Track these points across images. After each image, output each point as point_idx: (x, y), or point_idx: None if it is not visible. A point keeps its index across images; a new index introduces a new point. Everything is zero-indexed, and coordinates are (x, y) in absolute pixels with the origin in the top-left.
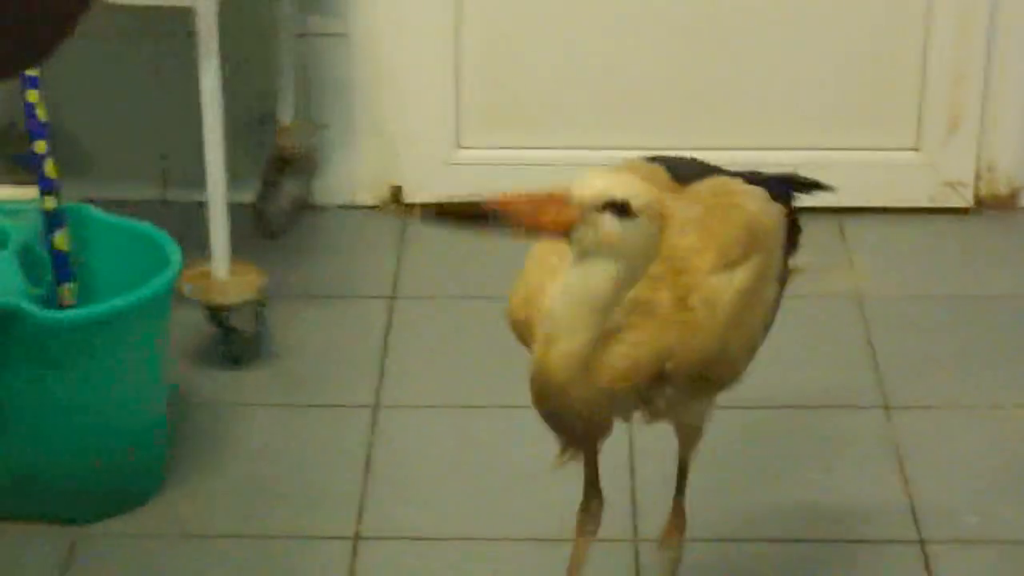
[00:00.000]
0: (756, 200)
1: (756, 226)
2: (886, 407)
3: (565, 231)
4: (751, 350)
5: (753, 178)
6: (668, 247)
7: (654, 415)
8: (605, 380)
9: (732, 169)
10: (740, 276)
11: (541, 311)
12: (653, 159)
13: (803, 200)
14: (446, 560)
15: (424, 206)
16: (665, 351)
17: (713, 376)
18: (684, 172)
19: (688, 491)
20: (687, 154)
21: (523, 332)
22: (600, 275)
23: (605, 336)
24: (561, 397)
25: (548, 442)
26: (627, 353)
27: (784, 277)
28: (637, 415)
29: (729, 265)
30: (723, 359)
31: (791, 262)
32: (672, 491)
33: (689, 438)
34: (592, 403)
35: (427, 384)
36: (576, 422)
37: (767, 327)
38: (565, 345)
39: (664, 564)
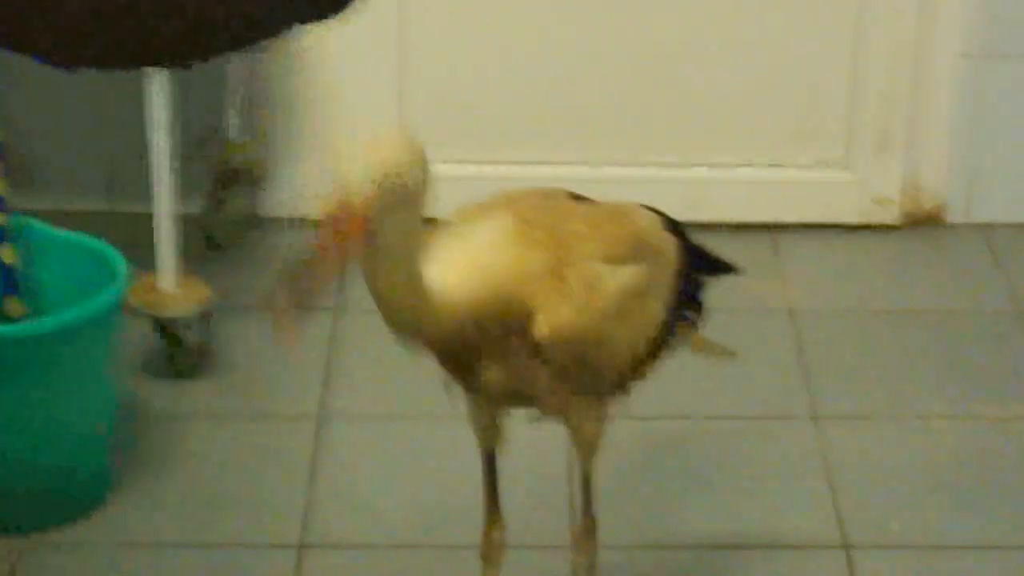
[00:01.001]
0: (648, 220)
1: (644, 237)
2: (815, 417)
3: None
4: (632, 356)
5: (671, 226)
6: (552, 226)
7: (543, 408)
8: (446, 299)
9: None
10: (624, 274)
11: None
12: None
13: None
14: (391, 568)
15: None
16: (518, 296)
17: (592, 365)
18: (580, 195)
19: (597, 500)
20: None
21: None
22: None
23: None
24: (398, 317)
25: None
26: (474, 277)
27: (674, 314)
28: (527, 412)
29: (613, 260)
30: (603, 349)
31: (687, 320)
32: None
33: (584, 448)
34: (441, 328)
35: (371, 394)
36: (441, 350)
37: (653, 345)
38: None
39: (577, 569)
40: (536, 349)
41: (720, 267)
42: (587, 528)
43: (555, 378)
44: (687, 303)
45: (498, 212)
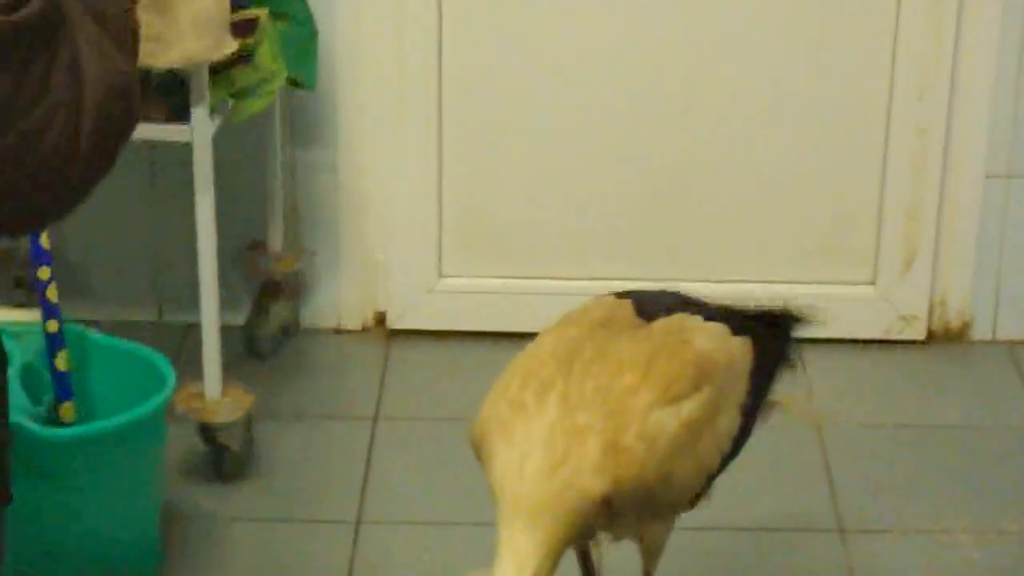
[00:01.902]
0: (709, 337)
1: (705, 362)
2: (841, 530)
3: None
4: (703, 477)
5: (723, 314)
6: (604, 390)
7: (617, 536)
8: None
9: (711, 303)
10: (687, 408)
11: (492, 445)
12: (627, 293)
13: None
14: None
15: None
16: (599, 493)
17: (660, 502)
18: (652, 307)
19: None
20: (662, 286)
21: (479, 455)
22: None
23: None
24: None
25: None
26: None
27: (754, 407)
28: (603, 536)
29: (675, 399)
30: (668, 487)
31: (772, 395)
32: None
33: (649, 554)
34: None
35: (408, 501)
36: None
37: (724, 455)
38: None
39: None
40: (612, 510)
41: (793, 319)
42: None
43: (630, 518)
44: (768, 387)
45: (545, 399)
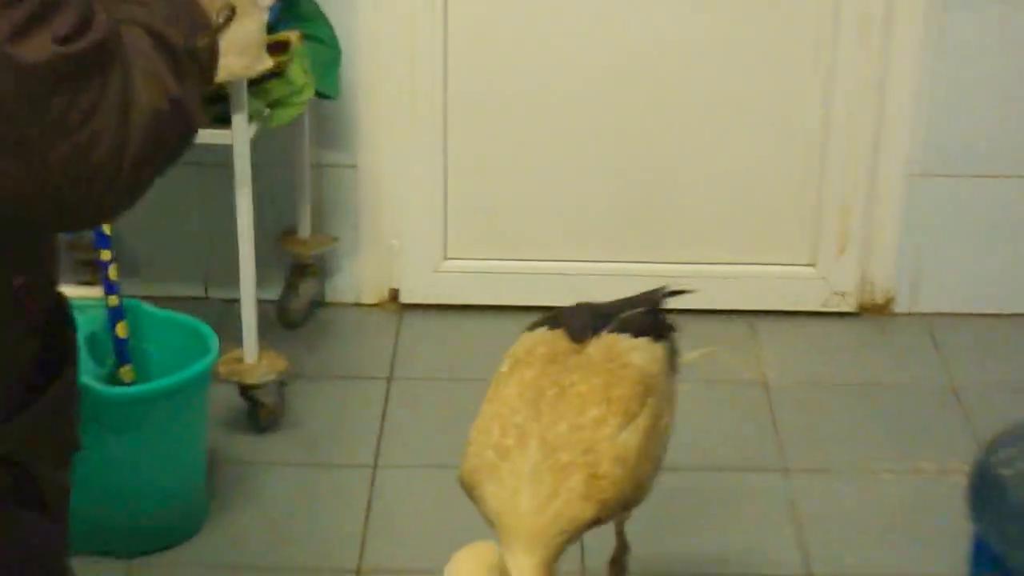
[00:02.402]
0: (642, 353)
1: (646, 377)
2: (785, 470)
3: None
4: (658, 467)
5: (629, 305)
6: (576, 427)
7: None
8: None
9: (611, 305)
10: (641, 422)
11: (483, 487)
12: (553, 319)
13: (679, 303)
14: None
15: None
16: (598, 506)
17: (633, 500)
18: (578, 330)
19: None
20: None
21: (472, 494)
22: None
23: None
24: None
25: None
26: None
27: (673, 387)
28: None
29: (632, 417)
30: (638, 489)
31: (679, 359)
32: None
33: (622, 523)
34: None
35: (418, 448)
36: None
37: (667, 441)
38: None
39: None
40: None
41: (677, 293)
42: (621, 550)
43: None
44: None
45: (526, 443)
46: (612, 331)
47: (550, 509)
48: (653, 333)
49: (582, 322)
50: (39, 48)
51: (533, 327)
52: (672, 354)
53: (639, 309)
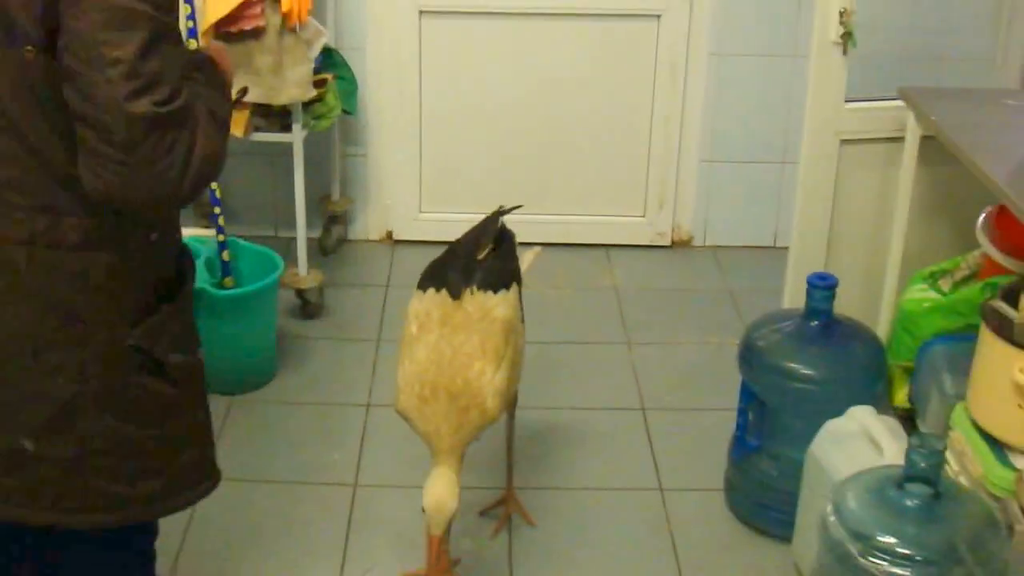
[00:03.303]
0: (504, 305)
1: (508, 325)
2: (628, 343)
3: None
4: (520, 371)
5: (479, 236)
6: (467, 380)
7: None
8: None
9: (464, 237)
10: (507, 358)
11: (414, 422)
12: (436, 280)
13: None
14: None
15: None
16: (488, 420)
17: (512, 403)
18: (453, 286)
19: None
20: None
21: (407, 422)
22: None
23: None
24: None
25: None
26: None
27: (520, 307)
28: None
29: (501, 359)
30: (512, 396)
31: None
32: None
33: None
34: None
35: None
36: None
37: (522, 351)
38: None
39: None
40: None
41: (511, 209)
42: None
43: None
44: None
45: (437, 394)
46: (480, 287)
47: (460, 434)
48: (508, 282)
49: (456, 278)
50: (143, 106)
51: (424, 285)
52: (519, 286)
53: (489, 243)
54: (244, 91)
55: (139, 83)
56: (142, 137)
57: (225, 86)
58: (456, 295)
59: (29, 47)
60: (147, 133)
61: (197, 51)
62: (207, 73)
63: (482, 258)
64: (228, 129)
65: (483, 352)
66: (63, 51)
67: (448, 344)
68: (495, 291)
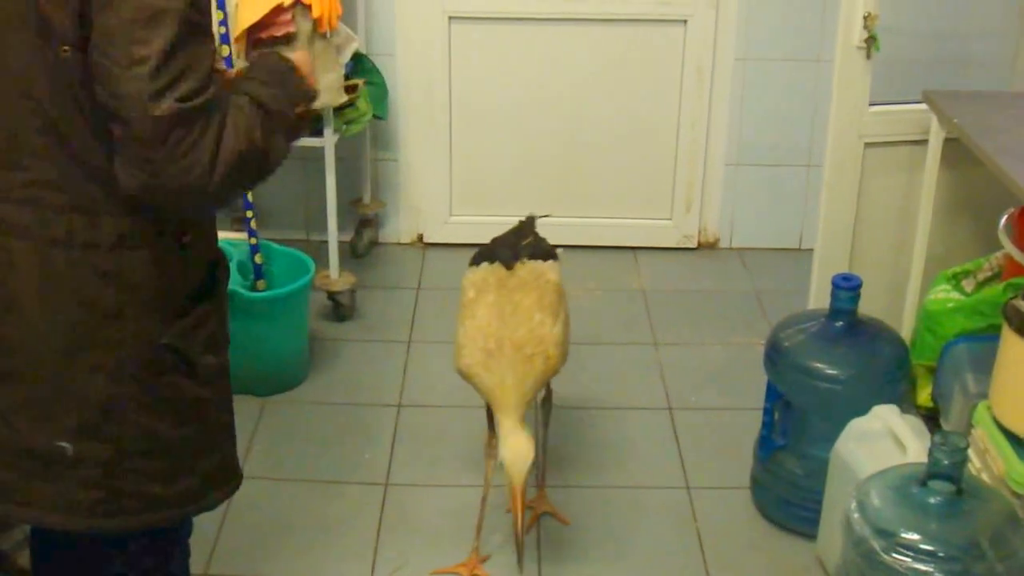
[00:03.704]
0: (552, 270)
1: (559, 287)
2: (655, 344)
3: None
4: (569, 342)
5: (518, 235)
6: (530, 329)
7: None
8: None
9: (504, 235)
10: (562, 317)
11: (479, 376)
12: (487, 255)
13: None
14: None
15: None
16: (551, 373)
17: (562, 365)
18: (506, 259)
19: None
20: (548, 219)
21: (469, 381)
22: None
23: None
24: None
25: None
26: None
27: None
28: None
29: (557, 315)
30: (564, 357)
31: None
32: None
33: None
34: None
35: (437, 330)
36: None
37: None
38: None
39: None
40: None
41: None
42: (548, 394)
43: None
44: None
45: (503, 344)
46: (529, 258)
47: (524, 385)
48: (551, 255)
49: (506, 254)
50: (165, 104)
51: (475, 262)
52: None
53: (528, 238)
54: (315, 92)
55: (163, 81)
56: (166, 134)
57: (297, 84)
58: (509, 266)
59: (65, 47)
60: (170, 130)
61: (275, 54)
62: (269, 72)
63: (525, 244)
64: (290, 128)
65: (541, 306)
66: (95, 49)
67: (508, 301)
68: (544, 260)
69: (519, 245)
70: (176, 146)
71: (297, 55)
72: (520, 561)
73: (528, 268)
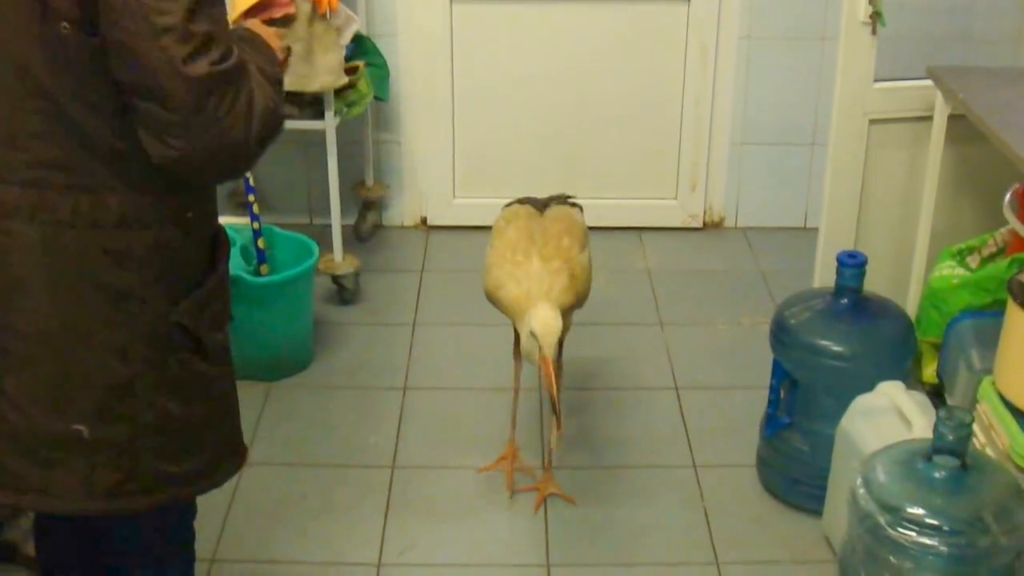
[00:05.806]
0: (579, 213)
1: (583, 225)
2: (661, 323)
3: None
4: (589, 288)
5: (556, 199)
6: (558, 248)
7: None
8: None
9: (546, 196)
10: (588, 249)
11: (506, 287)
12: (524, 201)
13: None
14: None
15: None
16: (574, 296)
17: (583, 300)
18: (537, 204)
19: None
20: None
21: (494, 296)
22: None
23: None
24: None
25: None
26: (563, 306)
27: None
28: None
29: (584, 246)
30: (586, 293)
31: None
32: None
33: (562, 340)
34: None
35: (442, 310)
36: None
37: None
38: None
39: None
40: (571, 309)
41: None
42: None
43: (571, 310)
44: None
45: (530, 256)
46: (557, 204)
47: (551, 296)
48: (576, 208)
49: (538, 202)
50: (200, 68)
51: (509, 205)
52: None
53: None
54: (289, 50)
55: (193, 45)
56: (204, 98)
57: (268, 48)
58: (540, 209)
59: (65, 23)
60: (208, 93)
61: (239, 27)
62: (248, 42)
63: (554, 197)
64: (282, 86)
65: (570, 234)
66: (111, 27)
67: (538, 226)
68: (571, 207)
69: (548, 202)
70: (215, 110)
71: (251, 22)
72: (558, 418)
73: (557, 209)
